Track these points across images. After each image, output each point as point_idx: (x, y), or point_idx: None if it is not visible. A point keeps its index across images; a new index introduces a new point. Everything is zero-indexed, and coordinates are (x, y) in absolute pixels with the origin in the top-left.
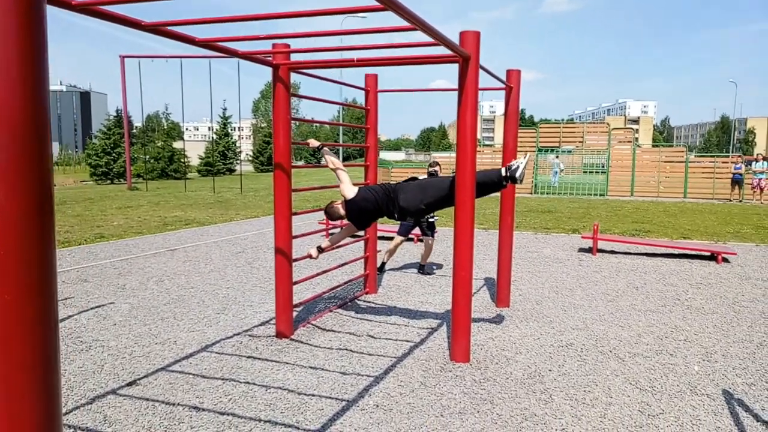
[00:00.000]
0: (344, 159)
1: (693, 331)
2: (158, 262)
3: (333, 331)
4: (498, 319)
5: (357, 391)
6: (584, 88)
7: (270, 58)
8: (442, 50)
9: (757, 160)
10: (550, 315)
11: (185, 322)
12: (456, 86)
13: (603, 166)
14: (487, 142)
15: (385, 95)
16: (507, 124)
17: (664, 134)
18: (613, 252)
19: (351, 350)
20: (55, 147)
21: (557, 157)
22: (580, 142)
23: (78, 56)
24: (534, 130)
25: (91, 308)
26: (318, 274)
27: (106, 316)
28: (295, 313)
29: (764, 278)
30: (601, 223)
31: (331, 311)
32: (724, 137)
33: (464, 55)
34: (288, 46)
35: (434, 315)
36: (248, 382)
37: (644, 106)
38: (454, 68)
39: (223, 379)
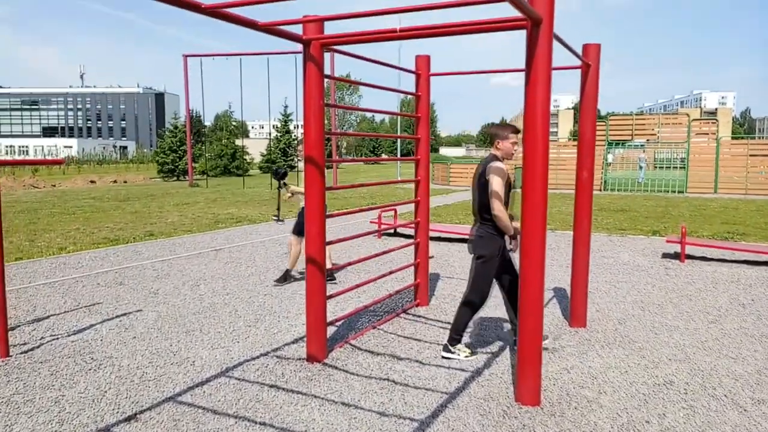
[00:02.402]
0: (404, 154)
1: None
2: (199, 263)
3: (374, 353)
4: (574, 344)
5: None
6: (655, 79)
7: (299, 33)
8: (505, 12)
9: None
10: (638, 339)
11: (211, 337)
12: (521, 73)
13: (681, 161)
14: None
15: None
16: (583, 110)
17: (744, 126)
18: (704, 258)
19: (394, 381)
20: (131, 146)
21: (644, 151)
22: (652, 134)
23: (154, 60)
24: (603, 123)
25: (117, 317)
26: (358, 285)
27: (128, 327)
28: (333, 330)
29: None
30: (686, 224)
31: (374, 328)
32: None
33: (535, 18)
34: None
35: (495, 335)
36: (264, 424)
37: (722, 97)
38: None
39: (236, 417)
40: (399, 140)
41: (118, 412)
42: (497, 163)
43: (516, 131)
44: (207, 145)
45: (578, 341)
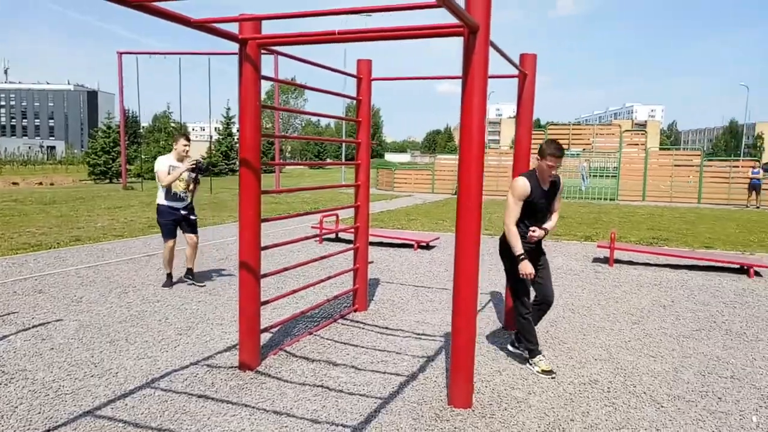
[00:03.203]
0: (350, 159)
1: (739, 365)
2: (129, 269)
3: (310, 359)
4: (507, 347)
5: None
6: (591, 92)
7: (235, 32)
8: (446, 19)
9: None
10: (567, 340)
11: (137, 346)
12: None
13: (613, 170)
14: (493, 145)
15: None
16: (520, 118)
17: (671, 138)
18: (631, 263)
19: (328, 387)
20: (60, 146)
21: (586, 160)
22: (588, 144)
23: (88, 56)
24: (542, 132)
25: (33, 327)
26: (294, 291)
27: (46, 337)
28: (268, 336)
29: None
30: (615, 230)
31: (310, 334)
32: (732, 142)
33: (472, 25)
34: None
35: (432, 339)
36: None
37: (652, 111)
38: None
39: (159, 430)
40: (343, 145)
41: (29, 429)
42: (518, 179)
43: (556, 156)
44: (143, 147)
45: (512, 344)
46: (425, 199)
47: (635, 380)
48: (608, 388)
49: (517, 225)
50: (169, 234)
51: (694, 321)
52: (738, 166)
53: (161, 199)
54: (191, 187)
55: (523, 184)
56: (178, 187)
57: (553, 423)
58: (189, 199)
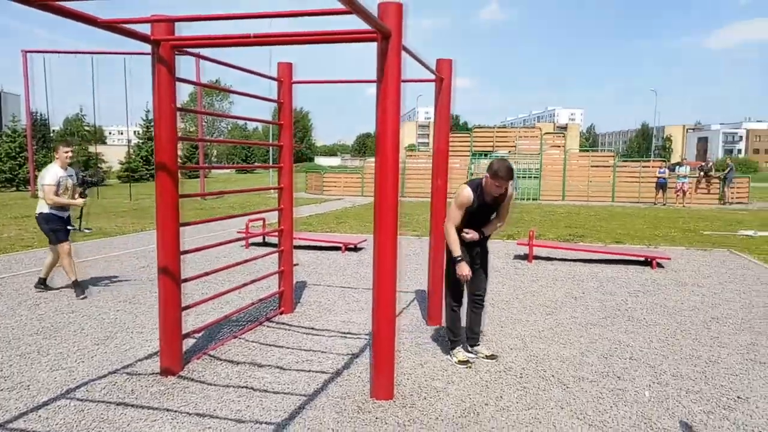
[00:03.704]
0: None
1: (638, 347)
2: None
3: (234, 362)
4: (430, 341)
5: None
6: (516, 96)
7: (147, 33)
8: (359, 26)
9: (680, 165)
10: (487, 332)
11: (50, 358)
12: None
13: (536, 171)
14: (423, 148)
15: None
16: (438, 121)
17: (590, 141)
18: (549, 259)
19: (252, 388)
20: None
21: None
22: (512, 146)
23: None
24: (468, 135)
25: None
26: (218, 295)
27: None
28: (191, 342)
29: (699, 284)
30: (536, 228)
31: (235, 337)
32: (644, 144)
33: (384, 31)
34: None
35: (357, 337)
36: None
37: (572, 114)
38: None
39: None
40: (271, 149)
41: None
42: (463, 188)
43: (504, 180)
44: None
45: (434, 338)
46: (355, 202)
47: (545, 366)
48: (521, 374)
49: (459, 229)
50: (61, 237)
51: (602, 310)
52: (648, 167)
53: (44, 207)
54: (76, 196)
55: (467, 195)
56: (63, 197)
57: (469, 408)
58: (69, 211)
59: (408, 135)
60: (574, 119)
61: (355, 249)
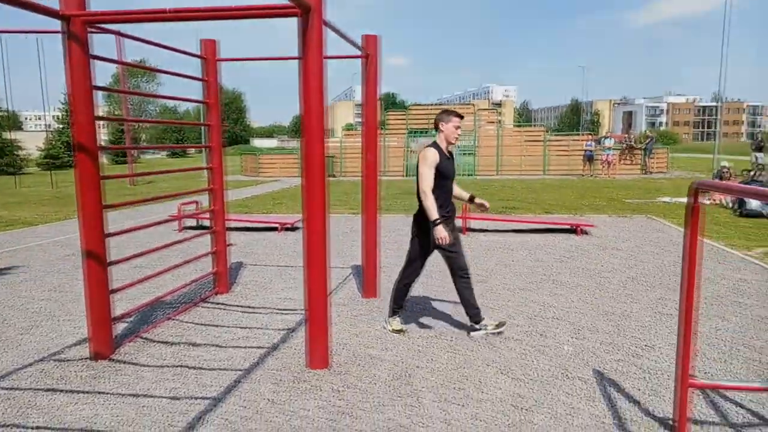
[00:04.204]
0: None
1: (561, 308)
2: None
3: (169, 343)
4: (365, 312)
5: (187, 420)
6: (452, 74)
7: (56, 8)
8: (280, 1)
9: (606, 137)
10: (421, 303)
11: None
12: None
13: (472, 147)
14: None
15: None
16: (366, 97)
17: (524, 117)
18: (483, 230)
19: (188, 366)
20: None
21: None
22: None
23: None
24: (404, 113)
25: None
26: (147, 278)
27: None
28: (123, 326)
29: (619, 248)
30: None
31: (169, 319)
32: (575, 118)
33: (304, 5)
34: None
35: (294, 312)
36: (39, 427)
37: (506, 91)
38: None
39: (3, 426)
40: (203, 130)
41: None
42: (427, 149)
43: (459, 116)
44: None
45: (369, 309)
46: (292, 183)
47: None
48: (452, 338)
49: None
50: None
51: (531, 275)
52: (578, 141)
53: None
54: None
55: (433, 153)
56: None
57: (402, 371)
58: None
59: (345, 114)
60: (509, 96)
61: (292, 228)
